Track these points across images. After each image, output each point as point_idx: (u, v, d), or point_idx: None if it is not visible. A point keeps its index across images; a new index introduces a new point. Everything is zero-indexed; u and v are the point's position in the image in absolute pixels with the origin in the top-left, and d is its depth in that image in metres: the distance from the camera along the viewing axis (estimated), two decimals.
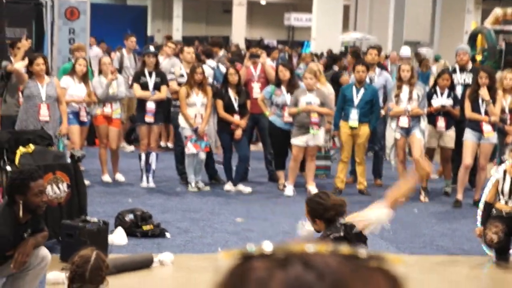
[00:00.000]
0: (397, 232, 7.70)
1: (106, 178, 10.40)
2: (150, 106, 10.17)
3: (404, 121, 9.88)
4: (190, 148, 9.97)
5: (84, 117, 10.06)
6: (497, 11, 32.29)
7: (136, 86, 10.28)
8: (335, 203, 4.73)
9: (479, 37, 24.24)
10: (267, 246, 0.75)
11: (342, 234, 4.56)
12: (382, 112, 10.79)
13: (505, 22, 28.03)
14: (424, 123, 9.98)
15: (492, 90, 9.48)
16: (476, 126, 9.56)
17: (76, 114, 9.99)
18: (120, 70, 12.51)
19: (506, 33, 29.21)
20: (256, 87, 10.98)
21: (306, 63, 15.37)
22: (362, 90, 10.11)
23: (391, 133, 10.07)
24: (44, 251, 5.47)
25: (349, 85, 10.41)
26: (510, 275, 7.01)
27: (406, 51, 13.55)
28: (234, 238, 7.81)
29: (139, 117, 10.43)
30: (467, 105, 9.63)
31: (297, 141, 9.97)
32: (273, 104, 10.43)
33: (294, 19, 32.91)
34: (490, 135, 9.53)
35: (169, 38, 19.67)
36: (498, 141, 9.64)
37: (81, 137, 10.14)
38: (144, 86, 10.23)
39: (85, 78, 10.05)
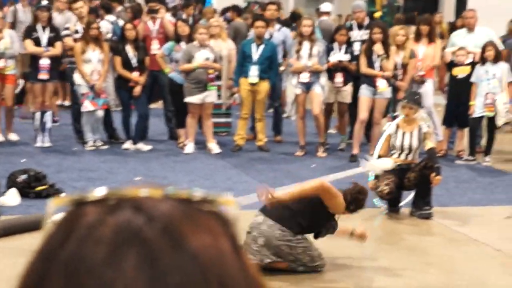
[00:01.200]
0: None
1: None
2: (44, 62, 9.88)
3: (304, 76, 9.96)
4: (87, 106, 9.77)
5: None
6: None
7: (28, 42, 9.94)
8: None
9: None
10: (100, 192, 0.74)
11: None
12: (282, 68, 10.83)
13: None
14: (323, 78, 10.09)
15: (385, 45, 9.65)
16: (371, 81, 9.73)
17: None
18: (14, 25, 12.04)
19: None
20: (154, 43, 10.81)
21: (208, 19, 15.20)
22: (261, 46, 10.09)
23: (292, 89, 10.14)
24: None
25: (248, 41, 10.38)
26: (401, 225, 7.22)
27: (326, 7, 13.81)
28: None
29: (32, 74, 10.10)
30: (362, 60, 9.78)
31: (194, 99, 9.88)
32: (173, 61, 10.29)
33: None
34: (384, 90, 9.72)
35: None
36: (391, 96, 9.84)
37: None
38: (37, 42, 9.90)
39: None
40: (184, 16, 14.95)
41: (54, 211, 0.74)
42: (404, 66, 9.91)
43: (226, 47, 10.72)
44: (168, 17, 12.02)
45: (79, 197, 0.74)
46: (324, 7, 13.75)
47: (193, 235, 0.71)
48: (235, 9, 14.51)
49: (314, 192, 5.55)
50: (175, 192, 0.75)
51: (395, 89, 9.84)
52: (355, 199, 5.79)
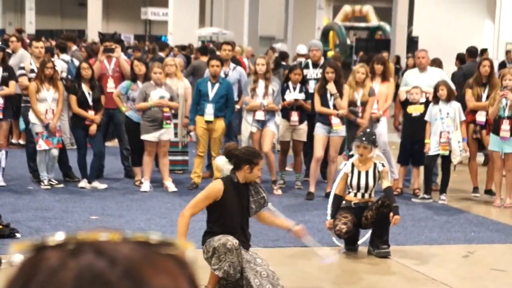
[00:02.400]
0: (251, 224, 7.77)
1: None
2: None
3: (260, 115, 10.03)
4: (41, 145, 9.69)
5: None
6: (347, 8, 33.50)
7: None
8: None
9: (331, 33, 25.04)
10: (60, 236, 0.76)
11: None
12: (237, 106, 10.89)
13: (355, 19, 29.15)
14: (278, 117, 10.16)
15: (338, 84, 9.77)
16: (326, 120, 9.83)
17: None
18: None
19: (355, 29, 30.35)
20: (110, 82, 10.81)
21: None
22: (217, 85, 10.16)
23: (247, 127, 10.18)
24: None
25: (203, 80, 10.44)
26: (359, 264, 7.23)
27: (303, 49, 14.39)
28: None
29: None
30: (316, 99, 9.89)
31: (149, 136, 9.88)
32: (130, 99, 10.29)
33: (151, 13, 32.70)
34: (339, 128, 9.82)
35: (20, 31, 19.01)
36: (346, 134, 9.93)
37: None
38: None
39: None
40: (163, 55, 15.25)
41: (16, 257, 0.76)
42: (364, 104, 10.03)
43: (182, 85, 10.76)
44: (123, 56, 12.04)
45: (39, 242, 0.75)
46: (301, 49, 14.50)
47: (153, 277, 0.73)
48: (200, 49, 14.93)
49: (186, 223, 5.75)
50: (134, 235, 0.77)
51: (354, 127, 9.94)
52: (228, 155, 5.96)
